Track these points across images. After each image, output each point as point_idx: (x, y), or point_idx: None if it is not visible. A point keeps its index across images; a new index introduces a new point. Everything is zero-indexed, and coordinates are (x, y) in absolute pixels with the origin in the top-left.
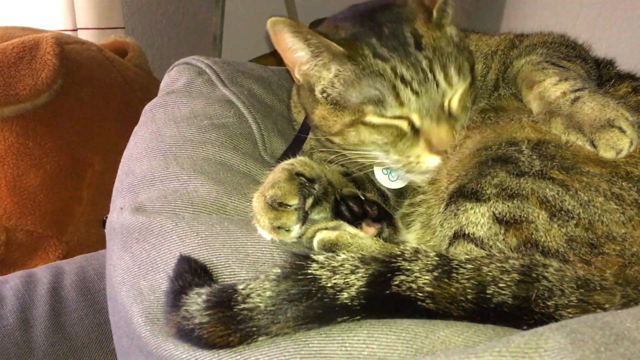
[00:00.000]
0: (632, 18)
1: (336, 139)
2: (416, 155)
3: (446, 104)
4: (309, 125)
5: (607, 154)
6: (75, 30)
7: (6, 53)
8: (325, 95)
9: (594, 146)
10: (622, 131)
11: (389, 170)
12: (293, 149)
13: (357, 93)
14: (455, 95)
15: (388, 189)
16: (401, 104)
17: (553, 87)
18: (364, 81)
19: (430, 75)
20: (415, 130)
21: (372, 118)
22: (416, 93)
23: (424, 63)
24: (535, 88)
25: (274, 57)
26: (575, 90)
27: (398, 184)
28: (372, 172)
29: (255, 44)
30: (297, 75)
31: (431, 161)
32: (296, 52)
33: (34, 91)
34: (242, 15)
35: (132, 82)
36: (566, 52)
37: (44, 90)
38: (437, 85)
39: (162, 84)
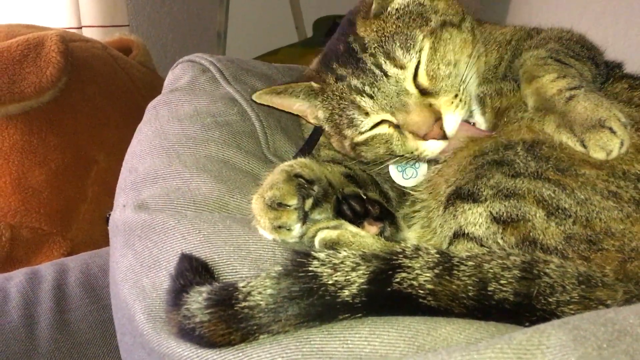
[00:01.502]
0: (638, 16)
1: (354, 156)
2: (414, 148)
3: (409, 86)
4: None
5: (597, 155)
6: (80, 28)
7: (11, 51)
8: (328, 128)
9: (584, 146)
10: (613, 132)
11: (403, 168)
12: (309, 145)
13: (337, 122)
14: (419, 68)
15: (392, 187)
16: (366, 113)
17: (550, 83)
18: (332, 110)
19: (377, 71)
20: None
21: (357, 138)
22: (370, 96)
23: (369, 62)
24: (534, 83)
25: (277, 55)
26: (571, 89)
27: (411, 182)
28: (376, 172)
29: (259, 41)
30: (312, 120)
31: (430, 145)
32: (294, 105)
33: (39, 89)
34: (246, 13)
35: (136, 80)
36: (578, 51)
37: (48, 88)
38: (387, 76)
39: (166, 82)
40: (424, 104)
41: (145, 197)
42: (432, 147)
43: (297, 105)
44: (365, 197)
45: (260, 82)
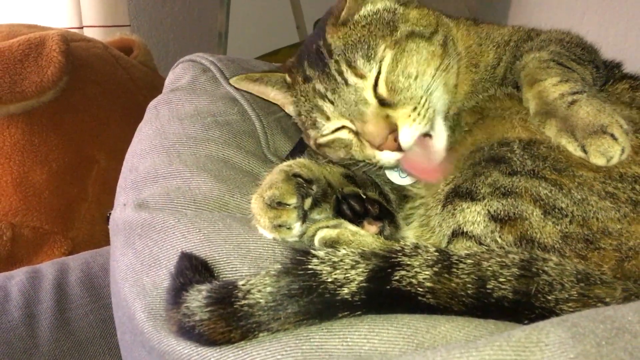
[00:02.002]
0: (639, 17)
1: (321, 155)
2: (372, 155)
3: (369, 96)
4: None
5: (597, 161)
6: (81, 28)
7: (12, 50)
8: (299, 123)
9: (585, 152)
10: (614, 138)
11: (399, 168)
12: (299, 148)
13: (303, 120)
14: (379, 78)
15: (392, 189)
16: (328, 118)
17: (553, 87)
18: (300, 108)
19: (339, 78)
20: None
21: (319, 140)
22: (331, 102)
23: (333, 68)
24: (536, 86)
25: (278, 55)
26: (574, 93)
27: (408, 180)
28: (375, 174)
29: (260, 41)
30: (287, 111)
31: (385, 156)
32: (270, 94)
33: (40, 88)
34: (247, 13)
35: (137, 80)
36: (579, 54)
37: (49, 87)
38: (347, 84)
39: (167, 81)
40: (380, 115)
41: (145, 196)
42: (387, 157)
43: (272, 94)
44: (364, 197)
45: None
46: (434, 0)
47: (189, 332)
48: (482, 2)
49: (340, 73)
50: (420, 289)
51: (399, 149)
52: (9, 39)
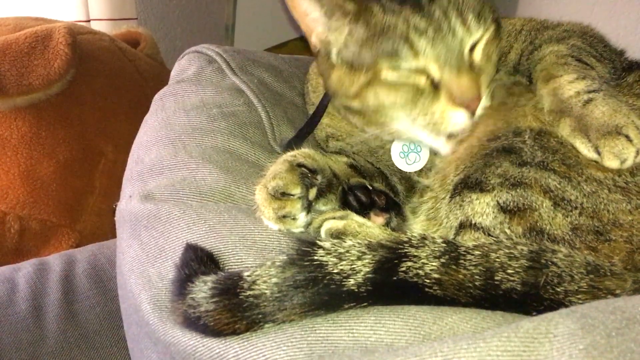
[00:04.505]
0: None
1: (355, 104)
2: (440, 111)
3: (466, 52)
4: (325, 105)
5: (611, 163)
6: (88, 21)
7: (19, 43)
8: (340, 57)
9: (598, 153)
10: (629, 140)
11: (406, 154)
12: (305, 131)
13: (371, 50)
14: (479, 43)
15: (400, 179)
16: (416, 53)
17: (568, 84)
18: (376, 37)
19: (445, 23)
20: (435, 86)
21: (387, 73)
22: (431, 41)
23: (437, 13)
24: (551, 83)
25: (286, 48)
26: (590, 92)
27: (416, 167)
28: (383, 163)
29: (267, 34)
30: (314, 40)
31: (457, 117)
32: (311, 14)
33: (47, 81)
34: (255, 5)
35: (144, 73)
36: (601, 51)
37: (56, 80)
38: (454, 32)
39: (173, 73)
40: (473, 73)
41: (151, 187)
42: (459, 119)
43: (315, 14)
44: (371, 188)
45: (267, 73)
46: None
47: (195, 323)
48: None
49: (448, 18)
50: (427, 280)
51: (473, 113)
52: (16, 32)
